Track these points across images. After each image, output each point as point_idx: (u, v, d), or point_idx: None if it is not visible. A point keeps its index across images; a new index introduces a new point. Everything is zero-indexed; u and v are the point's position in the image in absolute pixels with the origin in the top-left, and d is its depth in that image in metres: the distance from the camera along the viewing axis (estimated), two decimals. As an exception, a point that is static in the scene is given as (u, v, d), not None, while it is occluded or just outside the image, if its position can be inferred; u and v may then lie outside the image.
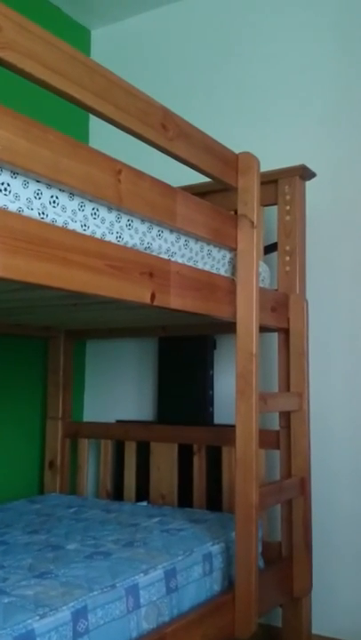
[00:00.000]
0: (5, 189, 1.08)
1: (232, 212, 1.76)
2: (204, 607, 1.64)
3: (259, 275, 1.75)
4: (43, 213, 1.16)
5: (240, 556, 1.67)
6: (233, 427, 1.72)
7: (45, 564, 1.55)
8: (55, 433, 2.58)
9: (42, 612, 1.25)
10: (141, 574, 1.51)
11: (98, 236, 1.29)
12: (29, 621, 1.21)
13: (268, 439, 2.08)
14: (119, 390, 2.73)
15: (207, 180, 1.74)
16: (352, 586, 2.15)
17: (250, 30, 2.54)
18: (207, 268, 1.68)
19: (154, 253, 1.46)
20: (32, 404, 2.62)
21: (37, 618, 1.23)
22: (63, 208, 1.21)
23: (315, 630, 2.15)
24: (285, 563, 2.01)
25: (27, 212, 1.12)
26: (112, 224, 1.34)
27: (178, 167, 1.62)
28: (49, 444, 2.59)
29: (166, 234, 1.51)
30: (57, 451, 2.57)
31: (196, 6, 2.68)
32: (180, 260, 1.56)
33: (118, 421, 2.58)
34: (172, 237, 1.53)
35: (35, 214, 1.14)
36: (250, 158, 1.73)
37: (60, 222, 1.20)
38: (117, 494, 2.51)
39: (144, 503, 2.36)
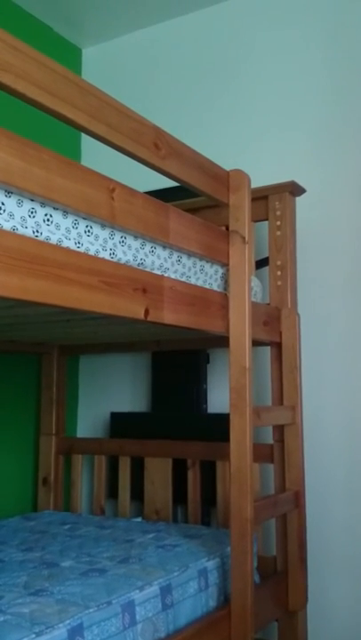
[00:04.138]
0: (0, 208, 1.09)
1: (224, 228, 1.78)
2: (199, 623, 1.64)
3: (251, 289, 1.77)
4: (37, 231, 1.17)
5: (235, 572, 1.67)
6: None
7: (41, 581, 1.55)
8: (49, 449, 2.58)
9: (38, 629, 1.24)
10: (137, 591, 1.51)
11: (92, 252, 1.31)
12: (25, 640, 1.21)
13: (262, 453, 2.09)
14: (113, 405, 2.73)
15: (199, 196, 1.76)
16: (347, 599, 2.15)
17: (240, 49, 2.58)
18: (200, 283, 1.69)
19: (147, 269, 1.48)
20: (25, 420, 2.62)
21: (33, 636, 1.22)
22: (57, 226, 1.22)
23: (311, 645, 2.14)
24: (280, 577, 2.01)
25: (21, 231, 1.14)
26: (105, 241, 1.35)
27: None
28: (42, 461, 2.58)
29: (159, 250, 1.53)
30: (50, 467, 2.56)
31: (187, 25, 2.72)
32: (173, 276, 1.58)
33: (112, 433, 2.58)
34: (164, 253, 1.55)
35: (29, 232, 1.15)
36: (241, 175, 1.75)
37: (54, 240, 1.21)
38: (111, 510, 2.50)
39: (138, 519, 2.36)
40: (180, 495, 2.34)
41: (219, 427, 2.17)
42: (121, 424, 2.56)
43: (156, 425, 2.47)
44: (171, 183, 2.38)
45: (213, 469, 2.27)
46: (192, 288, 1.62)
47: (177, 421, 2.43)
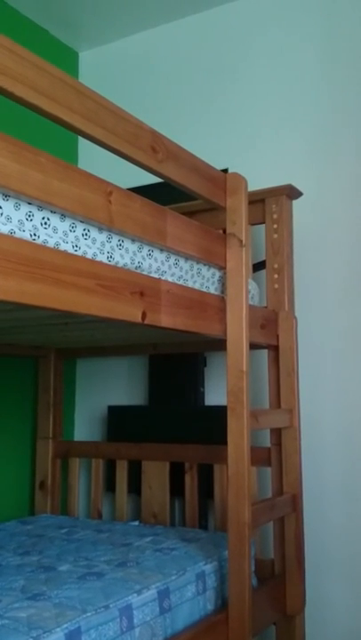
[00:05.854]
0: (-3, 212, 1.09)
1: (221, 231, 1.78)
2: (197, 626, 1.64)
3: (248, 292, 1.77)
4: (34, 235, 1.17)
5: (233, 575, 1.67)
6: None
7: (38, 585, 1.54)
8: (46, 453, 2.57)
9: (35, 634, 1.24)
10: (135, 594, 1.51)
11: (89, 256, 1.31)
12: (23, 644, 1.20)
13: (259, 456, 2.09)
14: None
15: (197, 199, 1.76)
16: (345, 602, 2.15)
17: (237, 52, 2.59)
18: (197, 286, 1.69)
19: (144, 273, 1.48)
20: (22, 423, 2.61)
21: (31, 640, 1.22)
22: (54, 229, 1.22)
23: (309, 648, 2.14)
24: (278, 580, 2.01)
25: (18, 234, 1.13)
26: (103, 244, 1.35)
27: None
28: (39, 465, 2.58)
29: (156, 253, 1.53)
30: (48, 471, 2.55)
31: (183, 29, 2.73)
32: (170, 279, 1.58)
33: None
34: (162, 257, 1.55)
35: (26, 236, 1.15)
36: (238, 178, 1.75)
37: (51, 243, 1.21)
38: (108, 513, 2.50)
39: (136, 523, 2.35)
40: (177, 494, 2.34)
41: (217, 420, 2.16)
42: (119, 418, 2.55)
43: (153, 419, 2.47)
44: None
45: (211, 472, 2.27)
46: (189, 291, 1.62)
47: (175, 416, 2.42)
